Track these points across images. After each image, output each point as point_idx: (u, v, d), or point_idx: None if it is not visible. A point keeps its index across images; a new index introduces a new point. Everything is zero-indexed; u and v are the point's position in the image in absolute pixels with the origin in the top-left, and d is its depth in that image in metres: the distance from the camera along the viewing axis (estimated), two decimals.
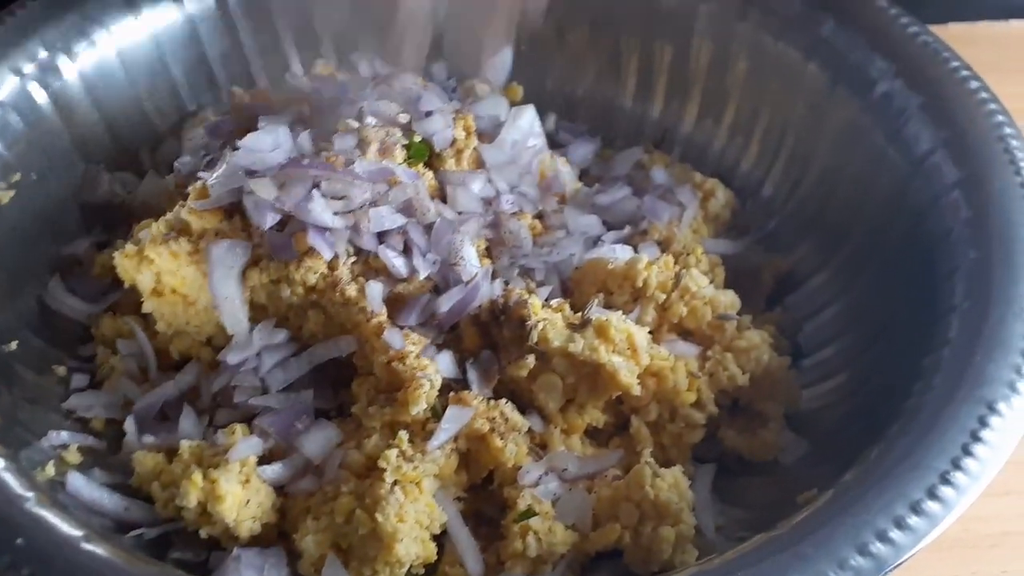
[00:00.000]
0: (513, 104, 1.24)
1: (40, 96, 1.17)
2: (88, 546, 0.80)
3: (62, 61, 1.19)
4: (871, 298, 1.10)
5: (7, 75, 1.15)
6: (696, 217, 1.21)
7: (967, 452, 0.82)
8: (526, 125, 1.20)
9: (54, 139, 1.18)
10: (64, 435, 1.00)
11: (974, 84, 1.12)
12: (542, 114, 1.24)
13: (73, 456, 0.99)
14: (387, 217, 1.03)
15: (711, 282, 1.09)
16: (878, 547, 0.77)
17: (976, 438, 0.83)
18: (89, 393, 1.07)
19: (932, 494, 0.80)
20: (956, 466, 0.81)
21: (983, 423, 0.84)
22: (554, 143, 1.30)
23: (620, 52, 1.35)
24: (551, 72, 1.38)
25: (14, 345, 1.05)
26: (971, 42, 1.22)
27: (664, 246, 1.16)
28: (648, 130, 1.35)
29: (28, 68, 1.16)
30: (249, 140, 1.03)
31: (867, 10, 1.20)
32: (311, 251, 1.00)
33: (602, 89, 1.37)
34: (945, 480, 0.80)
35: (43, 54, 1.18)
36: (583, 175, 1.29)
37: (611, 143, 1.35)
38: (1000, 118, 1.07)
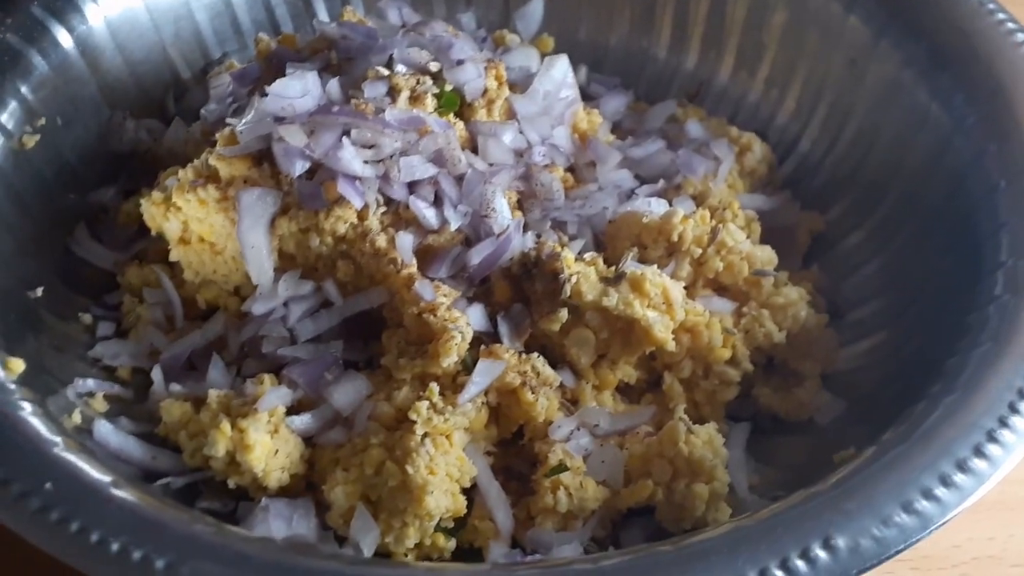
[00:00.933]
0: (544, 56, 1.21)
1: (65, 40, 1.15)
2: (118, 491, 0.80)
3: (87, 5, 1.17)
4: (910, 256, 1.07)
5: (31, 17, 1.13)
6: (732, 172, 1.18)
7: (1015, 410, 0.80)
8: (559, 76, 1.17)
9: (80, 85, 1.16)
10: (90, 383, 0.99)
11: (1021, 37, 1.08)
12: (574, 66, 1.21)
13: (99, 404, 0.98)
14: (418, 167, 1.01)
15: (747, 237, 1.07)
16: (924, 504, 0.75)
17: None
18: (115, 341, 1.06)
19: (979, 452, 0.78)
20: (1003, 424, 0.80)
21: None
22: (586, 95, 1.27)
23: (655, 2, 1.31)
24: (583, 22, 1.35)
25: (40, 291, 1.04)
26: (1018, 2, 1.18)
27: (699, 201, 1.14)
28: (682, 82, 1.32)
29: (53, 10, 1.14)
30: (278, 86, 1.01)
31: None
32: (341, 200, 0.98)
33: (635, 40, 1.34)
34: (992, 438, 0.79)
35: None
36: (615, 128, 1.26)
37: (644, 96, 1.32)
38: None
